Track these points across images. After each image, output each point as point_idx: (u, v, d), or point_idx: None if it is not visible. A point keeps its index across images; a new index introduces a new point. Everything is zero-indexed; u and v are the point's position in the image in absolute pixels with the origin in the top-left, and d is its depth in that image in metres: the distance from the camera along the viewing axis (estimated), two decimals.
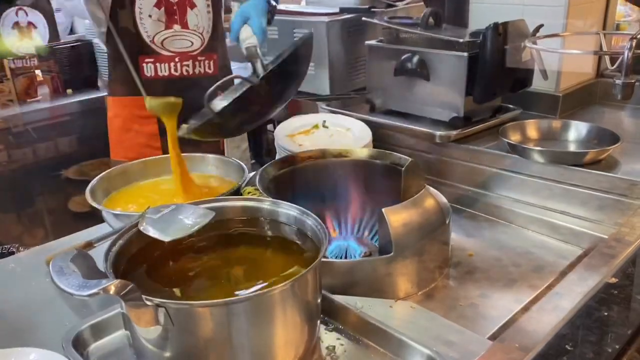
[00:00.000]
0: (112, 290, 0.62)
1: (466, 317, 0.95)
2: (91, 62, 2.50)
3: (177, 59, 1.49)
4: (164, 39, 1.47)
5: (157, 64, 1.48)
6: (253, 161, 2.48)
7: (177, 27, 1.48)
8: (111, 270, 0.71)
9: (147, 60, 1.47)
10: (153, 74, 1.48)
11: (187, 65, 1.51)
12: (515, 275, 1.07)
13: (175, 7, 1.47)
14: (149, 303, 0.65)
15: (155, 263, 0.83)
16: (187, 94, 1.45)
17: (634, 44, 0.87)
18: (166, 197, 1.14)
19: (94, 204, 1.03)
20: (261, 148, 2.53)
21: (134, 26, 1.44)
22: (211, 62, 1.55)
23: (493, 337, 0.85)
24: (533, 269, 1.09)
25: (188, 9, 1.48)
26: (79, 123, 2.22)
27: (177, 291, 0.77)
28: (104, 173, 1.18)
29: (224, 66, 1.62)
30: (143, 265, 0.81)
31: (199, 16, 1.49)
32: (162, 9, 1.45)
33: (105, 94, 2.27)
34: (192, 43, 1.51)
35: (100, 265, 0.72)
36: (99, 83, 2.48)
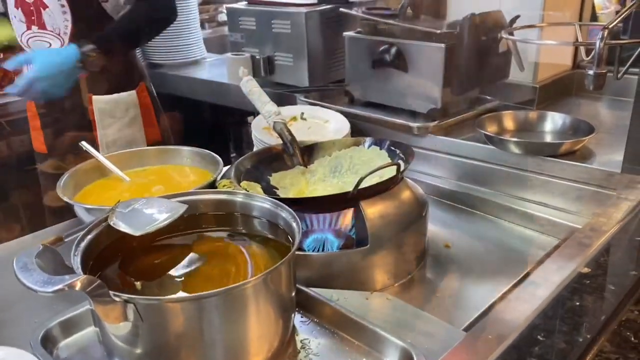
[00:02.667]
0: (78, 286, 0.61)
1: (442, 308, 0.95)
2: None
3: None
4: (28, 39, 1.51)
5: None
6: (234, 154, 2.47)
7: (34, 27, 1.49)
8: (79, 266, 0.70)
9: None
10: None
11: None
12: (492, 266, 1.07)
13: (31, 8, 1.47)
14: (117, 299, 0.64)
15: (125, 258, 0.81)
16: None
17: (605, 35, 0.87)
18: (140, 189, 1.13)
19: (65, 198, 1.01)
20: (241, 140, 2.52)
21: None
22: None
23: (469, 328, 0.86)
24: (510, 259, 1.09)
25: (41, 9, 1.47)
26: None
27: (147, 286, 0.75)
28: (77, 166, 1.17)
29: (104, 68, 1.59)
30: (113, 260, 0.80)
31: (52, 17, 1.48)
32: (19, 9, 1.48)
33: None
34: (50, 44, 1.51)
35: (69, 260, 0.71)
36: None
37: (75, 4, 1.48)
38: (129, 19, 1.53)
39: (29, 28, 1.48)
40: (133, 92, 1.63)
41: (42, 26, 1.49)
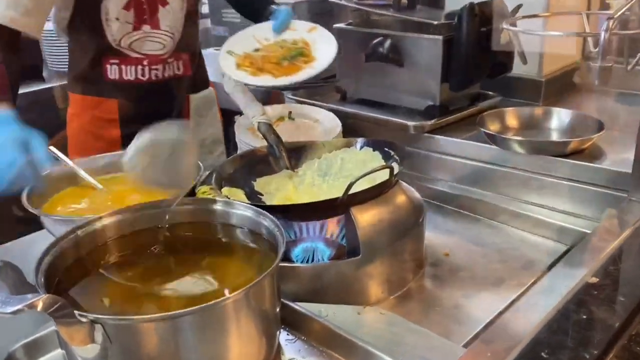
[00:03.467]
0: (40, 306, 0.60)
1: (441, 322, 0.94)
2: (34, 48, 2.42)
3: (145, 62, 1.45)
4: (132, 42, 1.42)
5: (123, 67, 1.43)
6: None
7: (146, 27, 1.42)
8: (42, 283, 0.69)
9: (111, 61, 1.43)
10: (117, 77, 1.44)
11: (157, 69, 1.47)
12: (495, 276, 1.07)
13: (145, 6, 1.41)
14: (83, 320, 0.63)
15: (94, 274, 0.81)
16: (155, 98, 1.43)
17: (611, 25, 0.87)
18: (115, 198, 1.12)
19: (30, 208, 1.01)
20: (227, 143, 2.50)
21: (100, 27, 1.38)
22: (180, 63, 1.52)
23: (469, 344, 0.85)
24: (513, 268, 1.09)
25: (159, 6, 1.42)
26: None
27: (117, 305, 0.75)
28: (44, 173, 1.15)
29: (196, 65, 1.60)
30: (81, 277, 0.79)
31: (171, 14, 1.44)
32: (132, 10, 1.39)
33: (53, 85, 2.24)
34: (164, 45, 1.46)
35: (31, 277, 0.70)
36: (45, 73, 2.42)
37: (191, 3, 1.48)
38: None
39: (136, 28, 1.41)
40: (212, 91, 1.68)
41: (155, 25, 1.43)
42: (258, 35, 1.50)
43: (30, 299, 0.61)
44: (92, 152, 1.45)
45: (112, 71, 1.43)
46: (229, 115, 2.26)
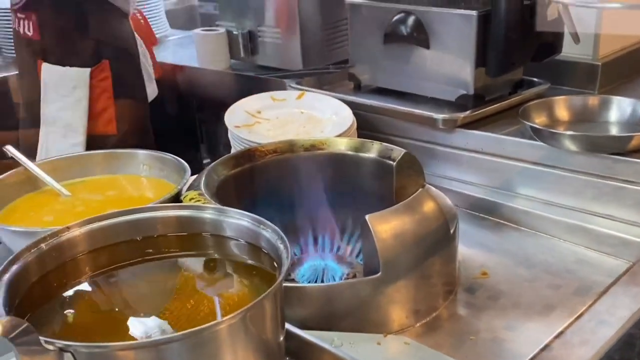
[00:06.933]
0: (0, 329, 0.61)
1: (477, 354, 0.95)
2: None
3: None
4: None
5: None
6: (207, 160, 2.47)
7: None
8: (1, 304, 0.70)
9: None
10: None
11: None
12: (543, 299, 1.07)
13: None
14: (50, 347, 0.64)
15: (64, 293, 0.81)
16: None
17: None
18: (84, 205, 1.14)
19: None
20: (217, 141, 2.51)
21: None
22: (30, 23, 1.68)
23: None
24: (565, 294, 1.08)
25: None
26: None
27: (91, 330, 0.76)
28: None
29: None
30: (48, 297, 0.80)
31: None
32: None
33: (7, 74, 2.29)
34: None
35: None
36: None
37: None
38: None
39: None
40: (86, 70, 1.71)
41: None
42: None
43: None
44: None
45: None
46: (217, 107, 2.29)
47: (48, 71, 1.73)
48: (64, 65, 1.71)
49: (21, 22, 1.70)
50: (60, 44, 1.72)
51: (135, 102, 1.85)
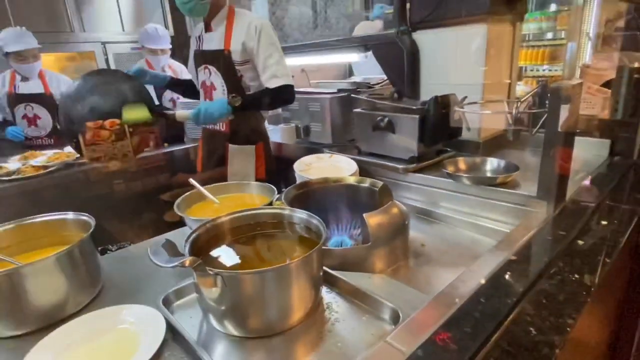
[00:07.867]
0: (187, 263, 0.64)
1: (419, 285, 0.94)
2: (179, 124, 2.50)
3: None
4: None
5: None
6: (284, 187, 2.44)
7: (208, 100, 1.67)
8: (188, 252, 0.73)
9: None
10: None
11: None
12: (452, 258, 1.05)
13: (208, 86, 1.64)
14: (210, 272, 0.66)
15: (217, 248, 0.83)
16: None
17: (518, 106, 0.89)
18: (224, 208, 1.15)
19: (180, 213, 1.05)
20: (289, 178, 2.49)
21: None
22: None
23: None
24: (463, 254, 1.07)
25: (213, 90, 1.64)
26: (170, 165, 2.27)
27: (229, 264, 0.77)
28: (185, 194, 1.20)
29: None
30: (209, 249, 0.82)
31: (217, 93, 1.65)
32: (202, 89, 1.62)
33: (189, 146, 2.33)
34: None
35: (181, 249, 0.74)
36: (185, 139, 2.52)
37: (229, 83, 1.64)
38: (262, 92, 1.63)
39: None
40: (252, 147, 1.74)
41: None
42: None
43: (181, 259, 0.65)
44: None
45: None
46: (291, 162, 2.26)
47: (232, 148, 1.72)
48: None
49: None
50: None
51: (270, 164, 1.85)
